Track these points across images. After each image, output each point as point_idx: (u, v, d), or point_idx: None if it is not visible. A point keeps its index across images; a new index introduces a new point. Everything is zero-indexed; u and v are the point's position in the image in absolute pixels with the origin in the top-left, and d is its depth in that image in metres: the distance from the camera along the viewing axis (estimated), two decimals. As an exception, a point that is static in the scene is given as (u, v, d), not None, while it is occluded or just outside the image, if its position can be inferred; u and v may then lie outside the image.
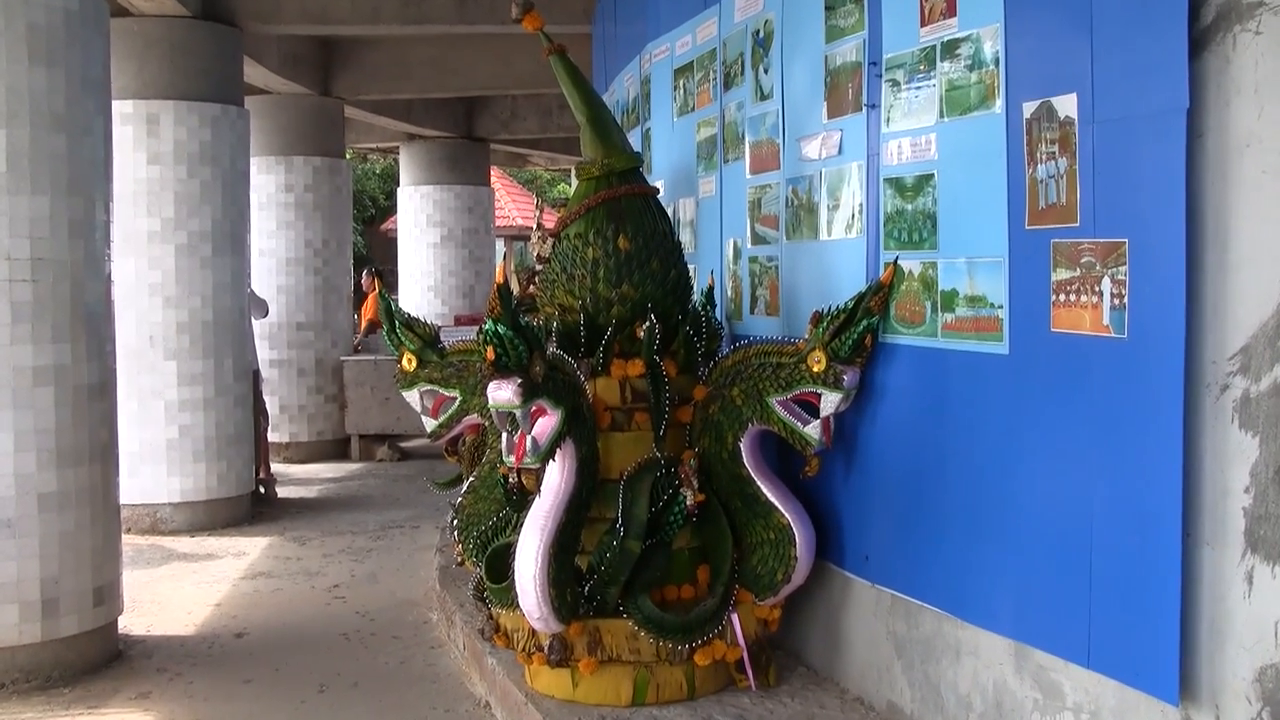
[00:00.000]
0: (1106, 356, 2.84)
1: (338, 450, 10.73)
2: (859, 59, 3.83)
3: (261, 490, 8.63)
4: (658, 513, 4.08)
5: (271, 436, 10.00)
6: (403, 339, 4.67)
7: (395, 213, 16.47)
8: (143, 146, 7.57)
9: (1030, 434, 3.13)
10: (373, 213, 26.12)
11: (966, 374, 3.39)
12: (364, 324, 12.08)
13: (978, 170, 3.29)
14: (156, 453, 7.62)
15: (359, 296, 13.20)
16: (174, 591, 6.28)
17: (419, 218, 13.71)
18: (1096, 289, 2.85)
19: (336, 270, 10.68)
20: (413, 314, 4.87)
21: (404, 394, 4.74)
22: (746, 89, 4.63)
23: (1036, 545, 3.12)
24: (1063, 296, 2.96)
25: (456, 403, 4.63)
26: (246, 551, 7.17)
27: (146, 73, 7.67)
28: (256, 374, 8.57)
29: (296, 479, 9.75)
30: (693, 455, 4.17)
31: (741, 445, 4.16)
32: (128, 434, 7.54)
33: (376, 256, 25.43)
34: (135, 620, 5.72)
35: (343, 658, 5.24)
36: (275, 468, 9.74)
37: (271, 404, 10.08)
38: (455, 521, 4.71)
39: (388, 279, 20.56)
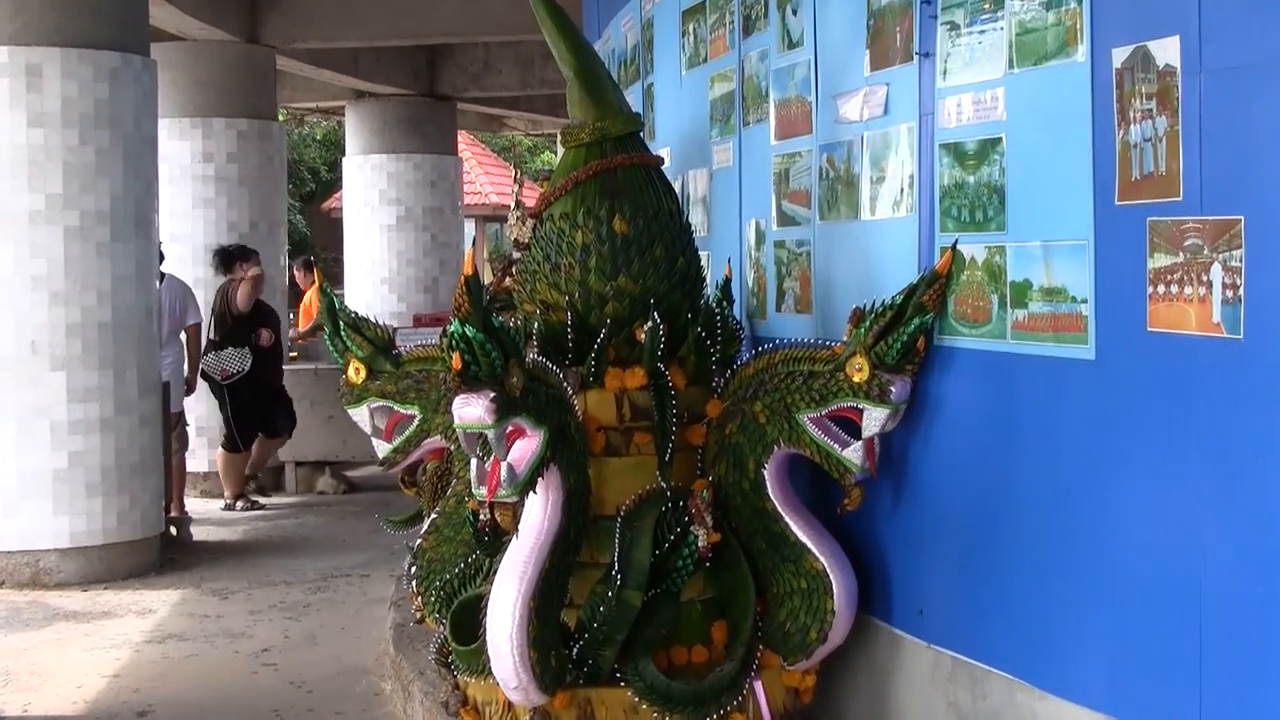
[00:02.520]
0: (1217, 362, 2.84)
1: (269, 481, 10.73)
2: (909, -4, 3.84)
3: (173, 532, 8.63)
4: (663, 556, 4.08)
5: (189, 464, 10.00)
6: (349, 344, 4.67)
7: (340, 188, 16.50)
8: (21, 105, 7.51)
9: (1123, 458, 3.12)
10: (313, 188, 26.19)
11: (1042, 384, 3.38)
12: (301, 325, 12.09)
13: (1055, 133, 3.29)
14: (40, 486, 7.56)
15: (294, 292, 13.21)
16: (59, 660, 6.27)
17: (369, 194, 13.74)
18: (1204, 279, 2.85)
19: (267, 259, 10.67)
20: (362, 313, 4.88)
21: (350, 411, 4.74)
22: (771, 35, 4.64)
23: (1133, 596, 3.11)
24: (1162, 288, 2.96)
25: (415, 422, 4.64)
26: (153, 608, 7.16)
27: (26, 12, 7.55)
28: (168, 387, 8.58)
29: (218, 517, 9.75)
30: (706, 485, 4.17)
31: (766, 473, 4.16)
32: (3, 464, 7.53)
33: (317, 242, 25.49)
34: (9, 698, 5.68)
35: (274, 738, 5.24)
36: (191, 504, 9.74)
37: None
38: (414, 569, 4.70)
39: (331, 269, 20.58)
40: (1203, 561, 2.91)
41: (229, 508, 9.98)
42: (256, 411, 9.90)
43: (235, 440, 9.88)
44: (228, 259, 9.96)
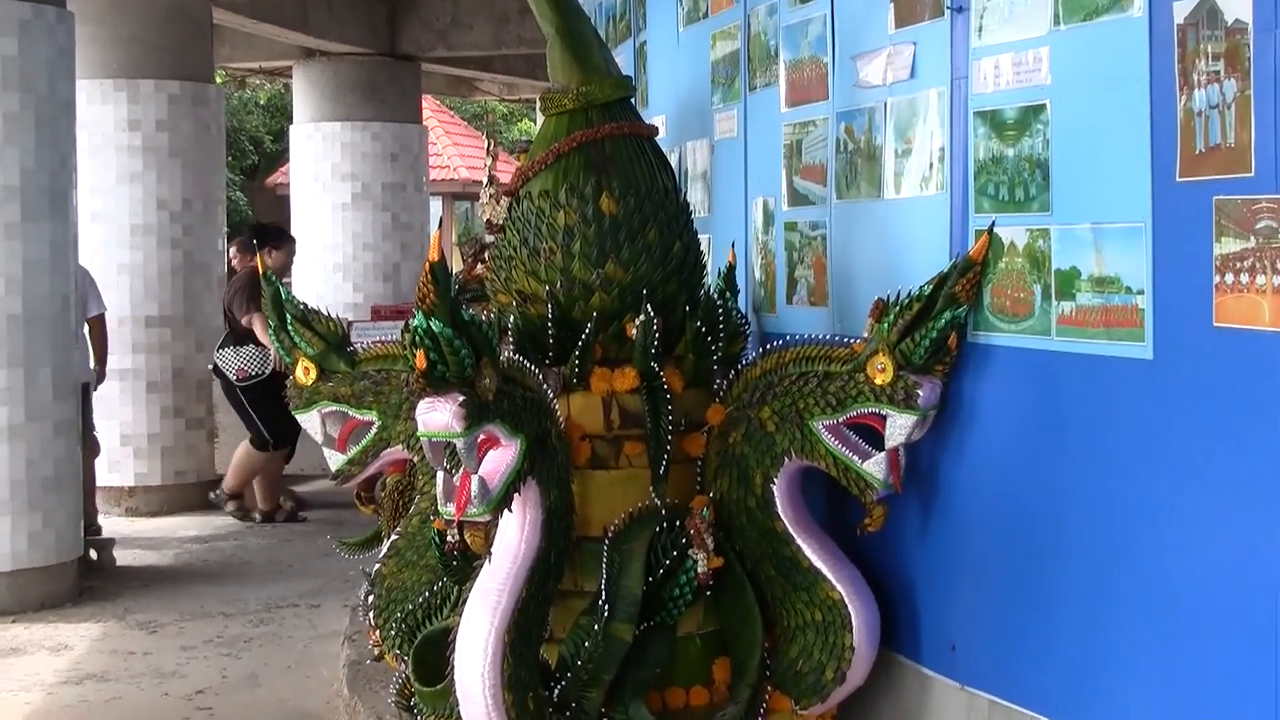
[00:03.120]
0: (1293, 362, 2.85)
1: (205, 497, 10.70)
2: (941, -58, 3.84)
3: (93, 555, 8.61)
4: (657, 584, 4.08)
5: (106, 478, 9.96)
6: (297, 340, 4.67)
7: (286, 161, 16.45)
8: (-87, 64, 7.50)
9: (1186, 472, 3.13)
10: (255, 161, 26.15)
11: (1092, 387, 3.39)
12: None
13: (1108, 99, 3.29)
14: (-59, 503, 7.56)
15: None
16: (-34, 700, 6.25)
17: (320, 168, 13.71)
18: (1278, 267, 2.86)
19: (203, 242, 10.65)
20: (311, 305, 4.88)
21: (299, 418, 4.74)
22: (782, -15, 4.65)
23: (1198, 630, 3.11)
24: (1230, 277, 2.96)
25: (373, 430, 4.64)
26: (69, 644, 7.14)
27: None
28: (86, 387, 8.55)
29: (145, 539, 9.71)
30: (706, 503, 4.17)
31: (775, 488, 4.17)
32: (-101, 477, 7.48)
33: (261, 222, 25.42)
34: (-101, 750, 5.67)
35: (209, 793, 5.23)
36: (115, 524, 9.71)
37: (106, 431, 10.06)
38: (372, 598, 4.70)
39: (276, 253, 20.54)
40: (1275, 591, 2.91)
41: (267, 518, 10.02)
42: (283, 411, 9.85)
43: (264, 435, 9.81)
44: (261, 238, 9.96)
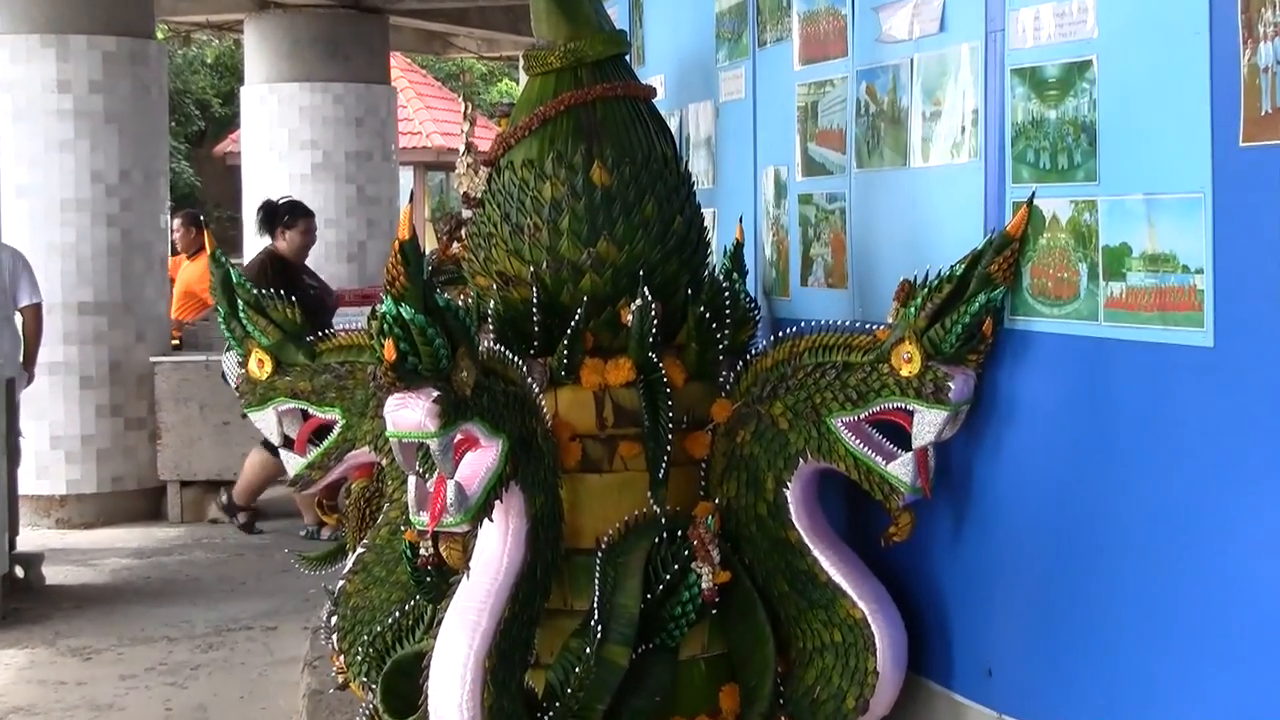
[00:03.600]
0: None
1: (146, 507, 10.69)
2: (973, -122, 3.84)
3: (19, 573, 8.60)
4: (656, 602, 4.09)
5: (33, 485, 9.95)
6: (250, 329, 4.66)
7: (238, 127, 16.42)
8: None
9: (1252, 475, 3.12)
10: (202, 127, 26.12)
11: (1145, 379, 3.39)
12: (177, 302, 12.01)
13: (1162, 54, 3.29)
14: None
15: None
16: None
17: (276, 135, 13.69)
18: (1352, 242, 2.86)
19: (144, 218, 10.64)
20: (267, 290, 4.87)
21: (253, 416, 4.74)
22: (795, -73, 4.65)
23: (1270, 654, 3.12)
24: (1299, 254, 2.96)
25: (336, 430, 4.65)
26: (-4, 671, 7.14)
27: None
28: (12, 384, 8.54)
29: (78, 553, 9.71)
30: (711, 510, 4.18)
31: (788, 494, 4.18)
32: None
33: (209, 195, 25.42)
34: None
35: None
36: (44, 537, 9.71)
37: (35, 433, 10.04)
38: (335, 619, 4.70)
39: (225, 231, 20.49)
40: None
41: (246, 526, 10.13)
42: None
43: None
44: (271, 218, 9.91)
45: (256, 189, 13.77)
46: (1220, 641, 3.22)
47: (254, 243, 13.84)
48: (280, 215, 9.94)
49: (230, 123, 23.38)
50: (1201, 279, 3.21)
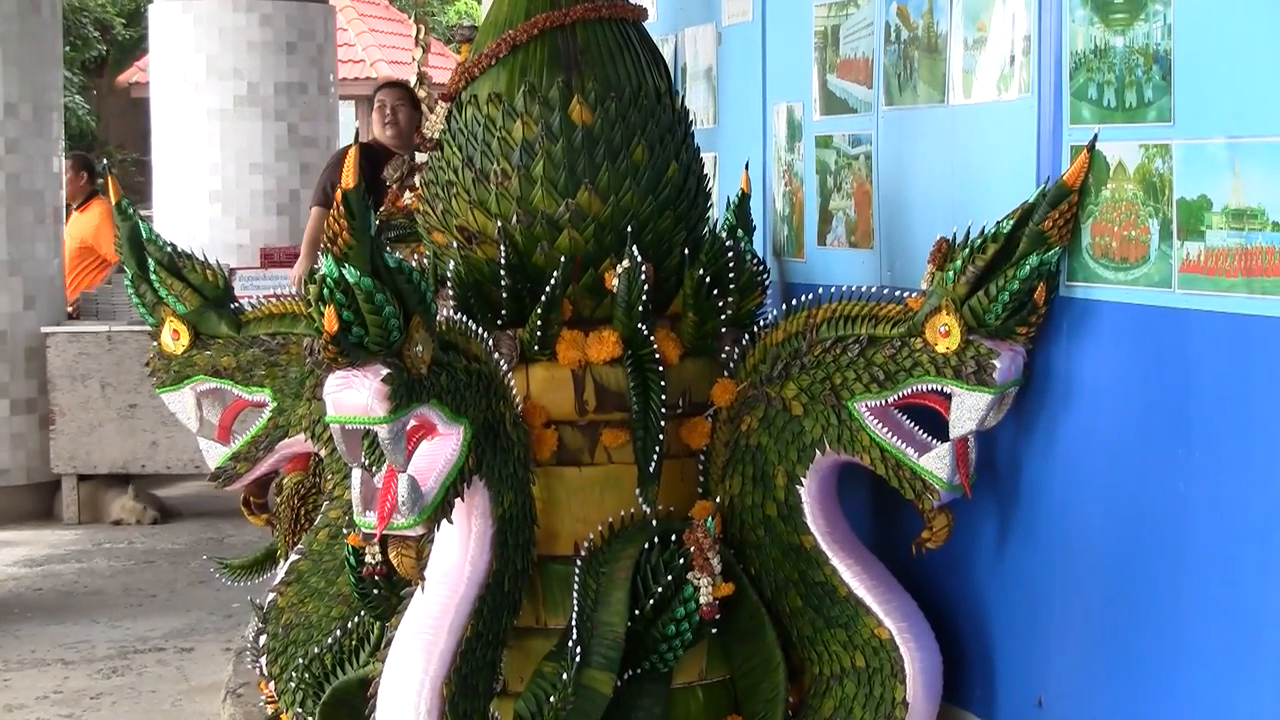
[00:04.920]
0: None
1: (36, 505, 10.67)
2: None
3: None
4: (646, 619, 4.09)
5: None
6: (162, 294, 4.65)
7: (144, 52, 16.34)
8: None
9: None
10: (102, 52, 26.01)
11: (1227, 355, 3.39)
12: (67, 261, 11.97)
13: (1251, -29, 3.29)
14: None
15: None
16: None
17: (191, 63, 13.64)
18: None
19: (34, 162, 10.59)
20: (181, 247, 4.85)
21: (165, 397, 4.73)
22: None
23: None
24: None
25: (266, 414, 4.65)
26: None
27: None
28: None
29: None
30: (712, 511, 4.18)
31: (803, 492, 4.18)
32: None
33: (110, 135, 25.34)
34: None
35: None
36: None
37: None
38: (265, 639, 4.70)
39: (131, 177, 20.42)
40: None
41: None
42: None
43: None
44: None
45: (167, 127, 13.72)
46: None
47: (167, 187, 13.82)
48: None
49: (136, 48, 23.29)
50: (1296, 239, 3.21)
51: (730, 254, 4.36)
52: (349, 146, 9.53)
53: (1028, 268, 3.73)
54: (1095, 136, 3.66)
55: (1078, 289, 3.78)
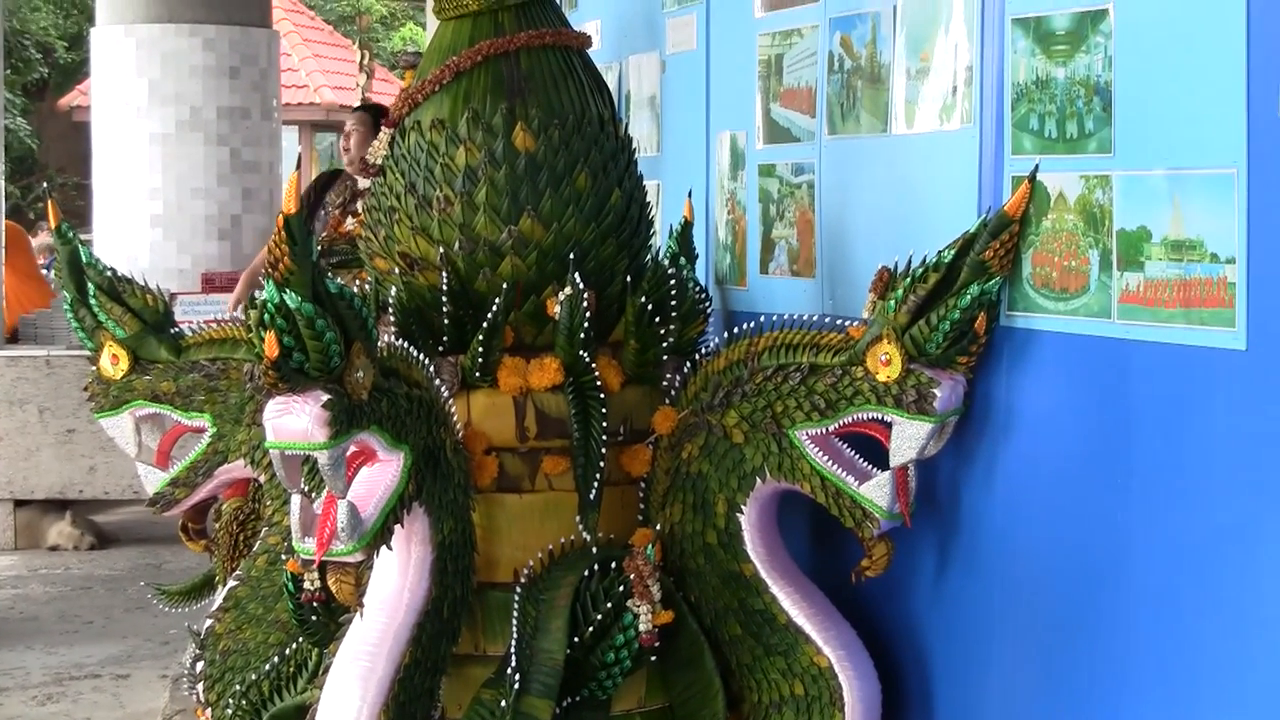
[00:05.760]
0: None
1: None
2: None
3: None
4: (585, 647, 4.08)
5: None
6: (102, 318, 4.63)
7: (86, 75, 16.29)
8: None
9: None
10: (43, 75, 25.92)
11: (1166, 386, 3.40)
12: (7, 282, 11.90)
13: (1189, 3, 3.30)
14: None
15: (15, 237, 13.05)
16: None
17: (134, 87, 13.59)
18: None
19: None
20: (122, 271, 4.83)
21: (104, 422, 4.70)
22: None
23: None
24: (1349, 242, 2.98)
25: (205, 439, 4.62)
26: None
27: None
28: None
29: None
30: (652, 538, 4.18)
31: (743, 520, 4.18)
32: None
33: (51, 159, 25.23)
34: None
35: None
36: None
37: None
38: (202, 665, 4.68)
39: (71, 201, 20.34)
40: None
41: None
42: None
43: None
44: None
45: (109, 151, 13.66)
46: (1257, 690, 3.22)
47: (106, 214, 13.77)
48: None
49: (78, 71, 23.22)
50: (1233, 270, 3.21)
51: (672, 282, 4.37)
52: (328, 172, 9.53)
53: (969, 297, 3.74)
54: (1036, 167, 3.67)
55: (1018, 319, 3.78)
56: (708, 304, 4.62)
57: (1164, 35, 3.37)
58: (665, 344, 4.34)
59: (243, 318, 4.46)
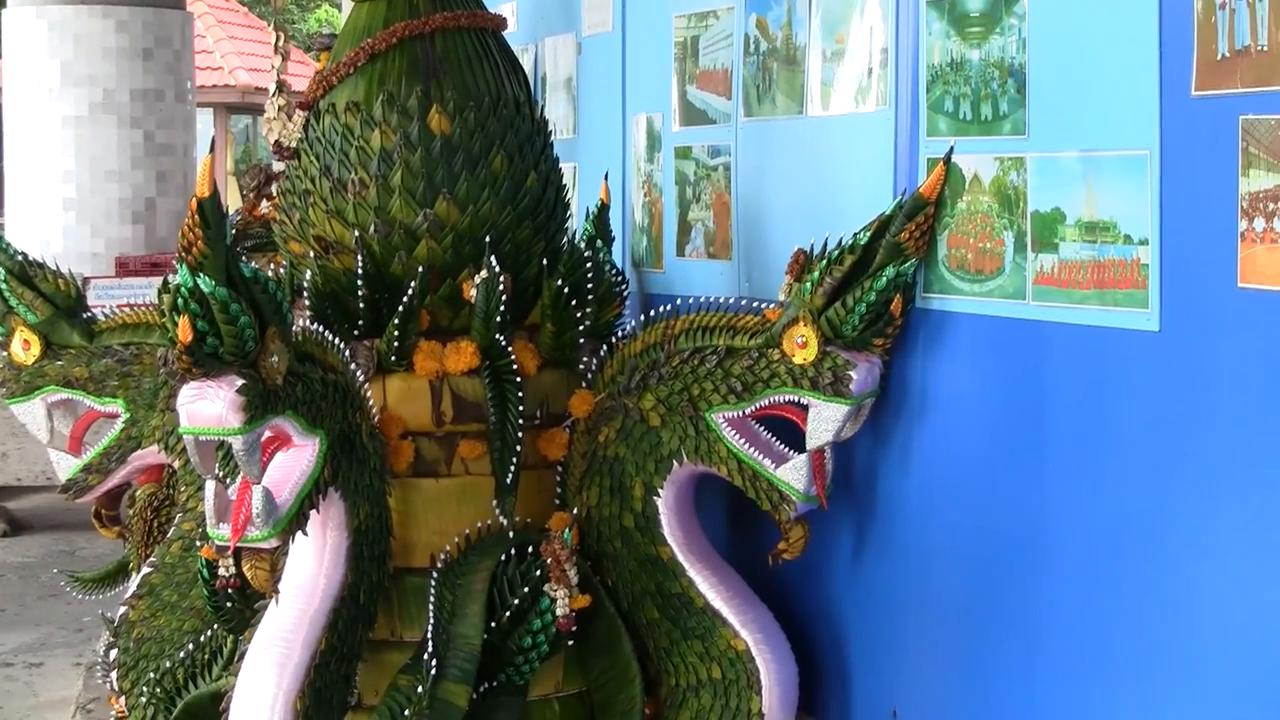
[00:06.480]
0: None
1: None
2: None
3: None
4: (502, 632, 4.08)
5: None
6: (13, 303, 4.59)
7: (-2, 60, 16.16)
8: None
9: (1207, 478, 3.15)
10: (-49, 60, 25.65)
11: (1080, 367, 3.42)
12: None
13: (1104, -13, 3.33)
14: None
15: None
16: None
17: (46, 69, 13.49)
18: (1322, 209, 2.89)
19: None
20: (32, 256, 4.79)
21: (15, 408, 4.66)
22: None
23: (1229, 688, 3.13)
24: (1260, 223, 2.98)
25: (119, 425, 4.60)
26: None
27: None
28: None
29: None
30: (569, 522, 4.18)
31: (660, 503, 4.19)
32: None
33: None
34: None
35: None
36: None
37: None
38: (116, 653, 4.65)
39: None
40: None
41: None
42: None
43: None
44: None
45: (21, 134, 13.55)
46: (1167, 668, 3.25)
47: (18, 198, 13.66)
48: None
49: (-12, 55, 22.95)
50: (1146, 251, 3.23)
51: (589, 265, 4.36)
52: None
53: (884, 279, 3.75)
54: (951, 149, 3.68)
55: (934, 301, 3.80)
56: (624, 287, 4.62)
57: (1078, 17, 3.39)
58: (582, 327, 4.33)
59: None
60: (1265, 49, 2.96)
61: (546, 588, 4.07)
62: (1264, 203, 2.97)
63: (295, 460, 3.74)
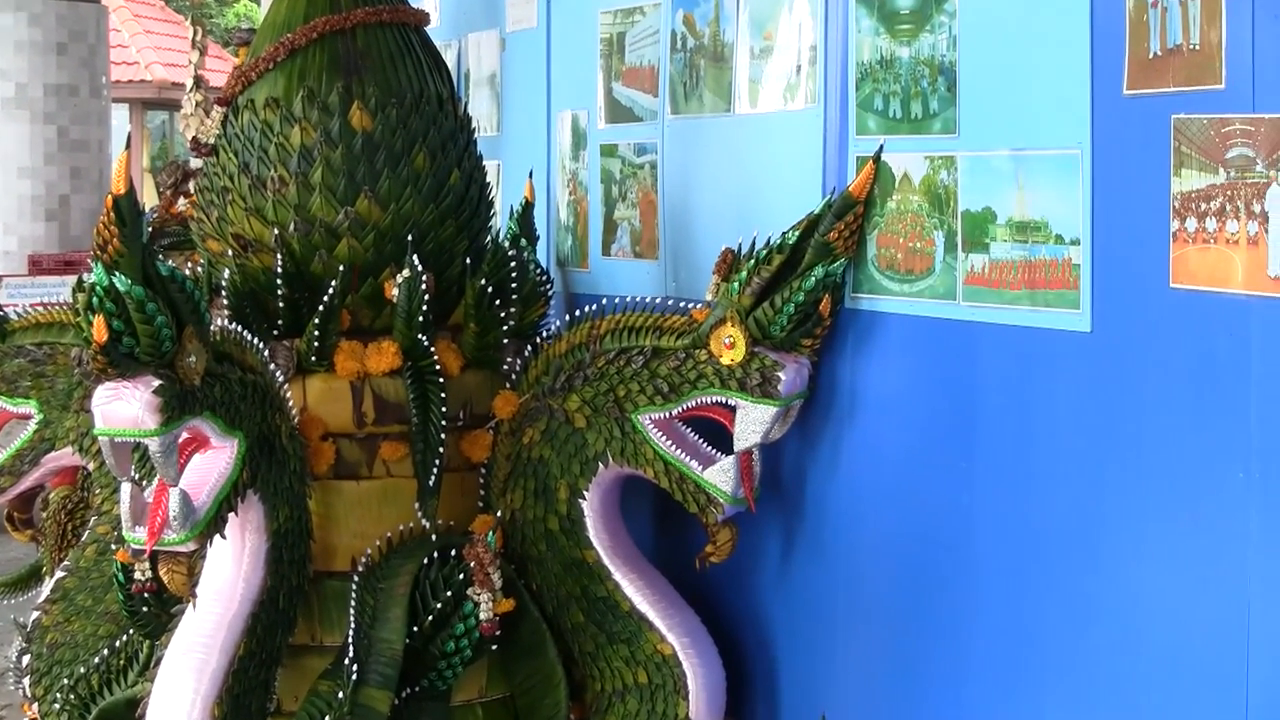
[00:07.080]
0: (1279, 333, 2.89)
1: None
2: None
3: None
4: (425, 636, 4.05)
5: None
6: (-79, 301, 4.55)
7: (-91, 54, 16.04)
8: None
9: (1137, 480, 3.16)
10: None
11: (1012, 368, 3.42)
12: None
13: (1035, -16, 3.32)
14: None
15: None
16: None
17: (-43, 65, 13.41)
18: (1257, 208, 2.88)
19: None
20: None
21: (-75, 409, 4.62)
22: None
23: (1160, 686, 3.14)
24: (1193, 223, 2.99)
25: (31, 426, 4.55)
26: None
27: None
28: None
29: None
30: (493, 525, 4.15)
31: (585, 505, 4.17)
32: None
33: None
34: None
35: None
36: None
37: None
38: (28, 658, 4.61)
39: None
40: (1251, 635, 2.95)
41: None
42: None
43: None
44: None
45: (-69, 130, 13.47)
46: (1096, 669, 3.26)
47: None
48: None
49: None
50: (1078, 251, 3.24)
51: (513, 264, 4.34)
52: None
53: (813, 279, 3.74)
54: (881, 148, 3.68)
55: (863, 301, 3.79)
56: (549, 286, 4.61)
57: (1009, 15, 3.40)
58: (506, 327, 4.32)
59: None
60: (1197, 48, 2.97)
61: (470, 592, 4.05)
62: (1196, 203, 2.98)
63: (213, 462, 3.70)
